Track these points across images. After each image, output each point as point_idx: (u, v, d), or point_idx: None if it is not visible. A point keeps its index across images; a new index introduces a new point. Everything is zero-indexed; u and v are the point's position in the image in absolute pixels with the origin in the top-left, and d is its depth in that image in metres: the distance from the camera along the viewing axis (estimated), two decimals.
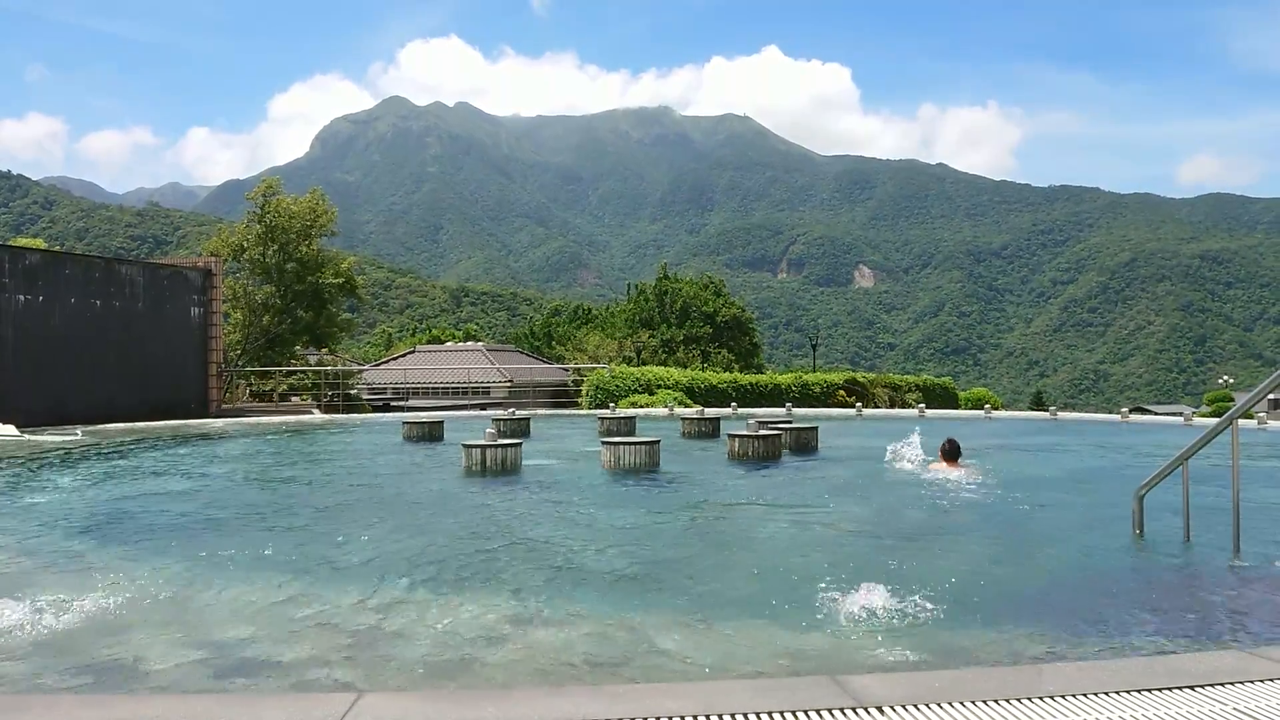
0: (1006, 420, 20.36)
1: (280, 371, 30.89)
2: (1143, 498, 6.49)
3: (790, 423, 14.16)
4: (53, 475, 10.76)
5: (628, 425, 16.32)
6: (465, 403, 43.80)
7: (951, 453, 10.39)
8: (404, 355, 55.54)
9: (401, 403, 40.12)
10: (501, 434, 16.26)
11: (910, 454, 11.09)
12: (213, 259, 23.25)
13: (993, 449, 13.23)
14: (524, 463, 10.72)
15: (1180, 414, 17.93)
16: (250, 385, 29.74)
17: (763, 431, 11.58)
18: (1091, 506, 8.42)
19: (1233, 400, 55.18)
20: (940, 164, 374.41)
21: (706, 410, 15.98)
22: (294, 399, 28.16)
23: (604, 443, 10.79)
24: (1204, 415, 58.73)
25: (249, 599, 4.96)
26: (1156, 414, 63.73)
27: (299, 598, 4.95)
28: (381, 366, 50.10)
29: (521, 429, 16.26)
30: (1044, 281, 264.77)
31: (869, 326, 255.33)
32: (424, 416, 15.72)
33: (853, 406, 24.87)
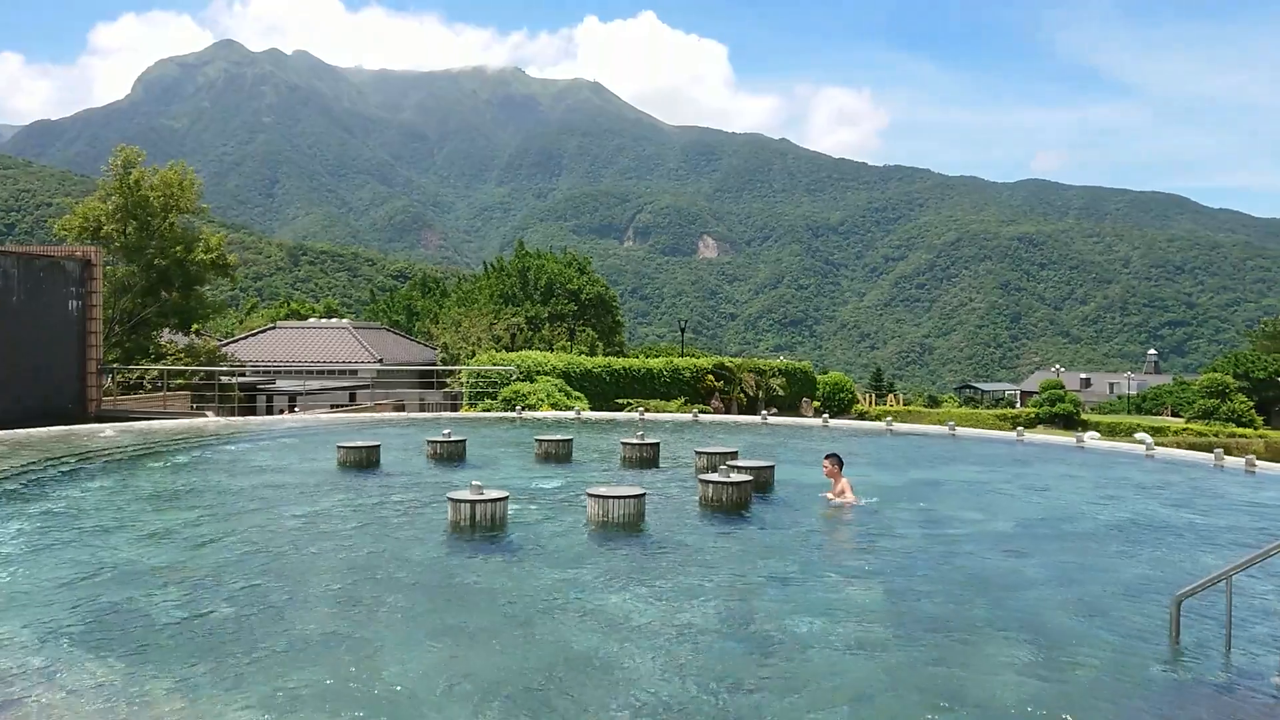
0: (907, 437, 21.23)
1: (149, 359, 29.03)
2: (1180, 603, 6.97)
3: (736, 454, 14.44)
4: None
5: (565, 447, 16.32)
6: (337, 385, 42.37)
7: (838, 462, 12.43)
8: (263, 331, 53.09)
9: (269, 385, 38.51)
10: (437, 455, 15.91)
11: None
12: (92, 248, 21.56)
13: (920, 485, 13.88)
14: (509, 511, 10.54)
15: (1077, 438, 19.26)
16: (117, 377, 27.77)
17: (734, 477, 11.79)
18: (1083, 581, 8.87)
19: (1063, 388, 59.23)
20: (783, 139, 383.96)
21: (646, 437, 16.05)
22: (165, 392, 26.51)
23: (589, 495, 10.73)
24: (1035, 405, 62.58)
25: None
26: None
27: None
28: (242, 342, 47.81)
29: (458, 451, 15.94)
30: (877, 258, 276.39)
31: (712, 296, 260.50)
32: (359, 442, 15.20)
33: (761, 414, 25.46)
